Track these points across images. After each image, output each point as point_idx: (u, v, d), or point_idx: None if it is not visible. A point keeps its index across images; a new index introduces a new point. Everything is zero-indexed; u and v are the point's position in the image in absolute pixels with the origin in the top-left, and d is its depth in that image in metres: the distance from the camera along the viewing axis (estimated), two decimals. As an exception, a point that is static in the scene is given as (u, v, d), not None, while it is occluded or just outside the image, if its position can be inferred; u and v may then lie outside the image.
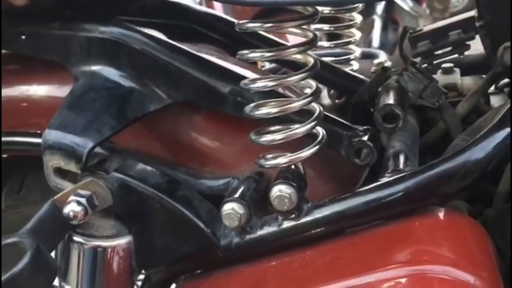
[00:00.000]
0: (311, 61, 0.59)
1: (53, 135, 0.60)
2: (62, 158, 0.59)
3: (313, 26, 0.79)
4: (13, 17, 0.65)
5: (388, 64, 0.80)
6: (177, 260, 0.63)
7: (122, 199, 0.60)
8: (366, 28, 3.31)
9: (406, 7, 3.48)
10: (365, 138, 0.63)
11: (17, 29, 0.66)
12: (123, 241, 0.62)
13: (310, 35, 0.59)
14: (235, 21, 0.73)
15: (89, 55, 0.64)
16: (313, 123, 0.59)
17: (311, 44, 0.58)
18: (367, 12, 3.32)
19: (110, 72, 0.64)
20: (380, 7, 3.45)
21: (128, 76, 0.63)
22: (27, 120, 0.71)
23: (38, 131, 0.68)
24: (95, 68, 0.64)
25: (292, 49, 0.57)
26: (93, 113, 0.61)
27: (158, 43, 0.64)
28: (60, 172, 0.61)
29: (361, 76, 0.80)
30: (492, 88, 0.78)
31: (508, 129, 0.55)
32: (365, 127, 0.66)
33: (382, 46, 3.31)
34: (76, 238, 0.62)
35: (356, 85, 0.77)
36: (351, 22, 0.83)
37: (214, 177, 0.64)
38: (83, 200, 0.59)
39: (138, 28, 0.65)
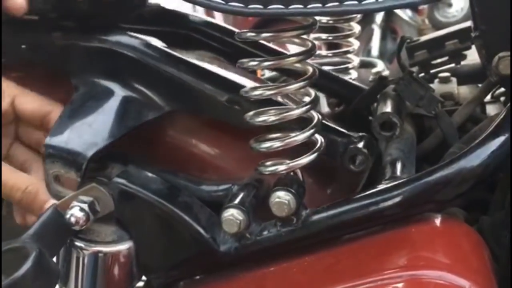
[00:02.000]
0: (309, 69, 0.60)
1: (54, 143, 0.60)
2: (63, 166, 0.60)
3: (312, 36, 0.80)
4: (14, 27, 0.66)
5: (385, 73, 0.81)
6: (177, 265, 0.64)
7: (124, 204, 0.61)
8: (365, 37, 3.33)
9: (405, 17, 3.51)
10: (360, 145, 0.64)
11: (18, 39, 0.67)
12: (124, 246, 0.62)
13: (309, 44, 0.60)
14: (234, 29, 0.75)
15: (89, 65, 0.65)
16: (311, 131, 0.60)
17: (309, 53, 0.59)
18: (366, 22, 3.34)
19: (110, 82, 0.64)
20: (379, 17, 3.47)
21: (127, 85, 0.64)
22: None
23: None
24: (94, 77, 0.65)
25: (291, 58, 0.58)
26: (92, 122, 0.62)
27: (156, 52, 0.65)
28: (60, 180, 0.62)
29: (361, 85, 0.81)
30: (489, 97, 0.79)
31: (503, 137, 0.56)
32: (360, 134, 0.66)
33: (381, 55, 3.33)
34: (77, 244, 0.62)
35: (356, 94, 0.78)
36: (350, 32, 0.84)
37: (214, 184, 0.65)
38: (85, 206, 0.60)
39: (137, 37, 0.66)
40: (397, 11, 3.41)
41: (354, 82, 0.82)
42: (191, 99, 0.64)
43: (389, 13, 3.43)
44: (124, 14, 0.70)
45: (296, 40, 0.60)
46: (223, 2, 0.48)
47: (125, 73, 0.64)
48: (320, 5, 0.49)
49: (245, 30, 0.59)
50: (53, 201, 0.61)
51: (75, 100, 0.64)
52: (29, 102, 0.64)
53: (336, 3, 0.49)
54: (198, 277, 0.65)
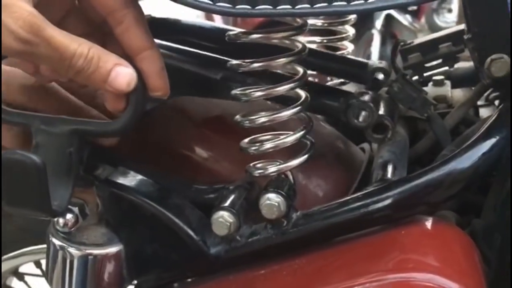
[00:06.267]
0: (300, 71, 0.60)
1: None
2: None
3: (306, 39, 0.80)
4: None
5: (380, 76, 0.80)
6: (168, 268, 0.63)
7: (113, 206, 0.61)
8: (365, 42, 3.33)
9: (405, 22, 3.50)
10: (364, 98, 0.63)
11: None
12: (114, 249, 0.62)
13: (300, 46, 0.60)
14: (226, 27, 0.75)
15: None
16: (302, 132, 0.59)
17: (300, 54, 0.59)
18: (366, 27, 3.34)
19: None
20: (379, 22, 3.47)
21: None
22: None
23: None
24: None
25: (281, 60, 0.58)
26: None
27: None
28: None
29: (360, 59, 0.80)
30: (484, 100, 0.79)
31: (494, 139, 0.56)
32: (362, 90, 0.65)
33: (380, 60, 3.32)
34: (66, 246, 0.62)
35: (355, 68, 0.77)
36: (344, 35, 0.84)
37: (205, 186, 0.65)
38: (74, 209, 0.60)
39: None
40: (397, 16, 3.41)
41: (353, 57, 0.81)
42: (187, 84, 0.64)
43: (389, 18, 3.42)
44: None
45: (287, 42, 0.60)
46: (210, 2, 0.48)
47: None
48: (308, 5, 0.48)
49: (235, 32, 0.59)
50: (118, 69, 0.49)
51: None
52: None
53: (325, 4, 0.48)
54: (188, 280, 0.65)
